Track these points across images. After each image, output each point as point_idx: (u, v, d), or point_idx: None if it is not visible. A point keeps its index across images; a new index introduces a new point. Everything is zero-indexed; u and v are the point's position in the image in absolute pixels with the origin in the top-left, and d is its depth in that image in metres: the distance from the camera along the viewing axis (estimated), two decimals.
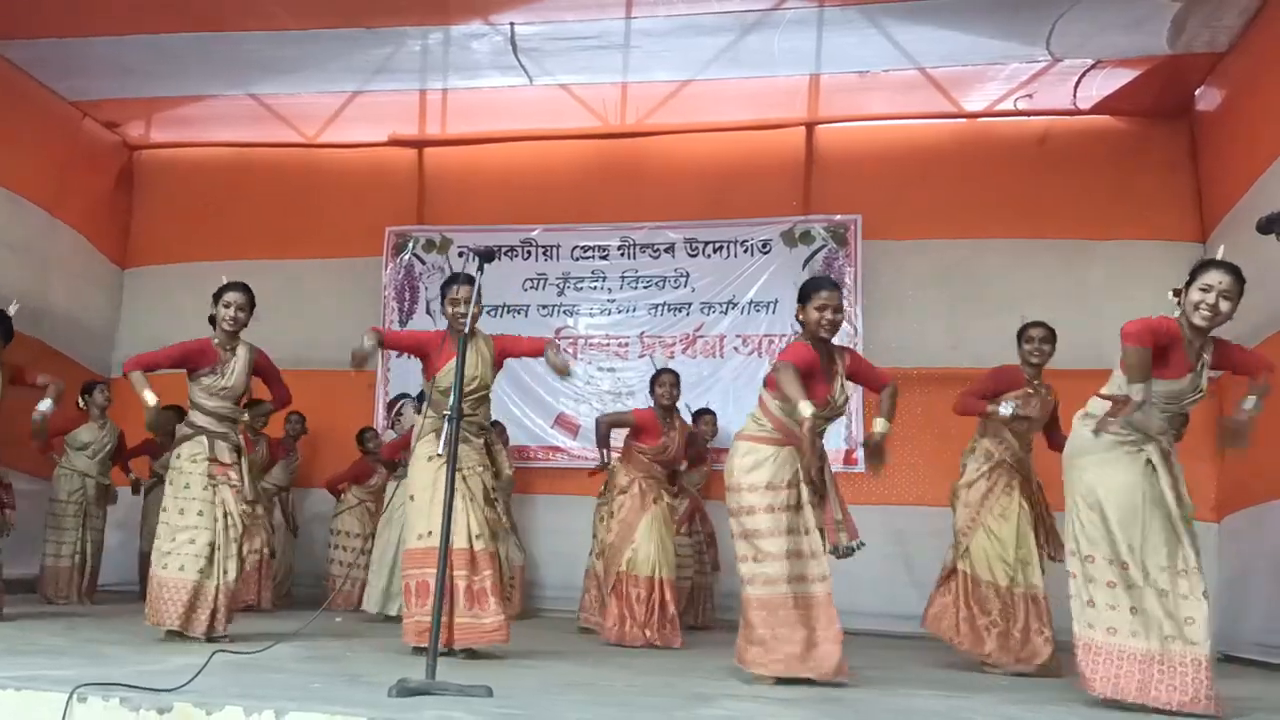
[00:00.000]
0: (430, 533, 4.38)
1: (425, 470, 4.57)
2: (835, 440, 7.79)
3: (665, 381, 6.10)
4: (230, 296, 4.90)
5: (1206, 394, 3.82)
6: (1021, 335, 5.31)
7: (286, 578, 7.99)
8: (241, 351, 4.95)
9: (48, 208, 8.24)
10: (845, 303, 7.88)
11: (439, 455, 4.26)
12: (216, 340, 4.93)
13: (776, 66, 7.66)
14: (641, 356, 8.24)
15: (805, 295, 4.17)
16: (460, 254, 8.49)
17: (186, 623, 4.60)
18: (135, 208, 9.39)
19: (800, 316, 4.17)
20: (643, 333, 8.30)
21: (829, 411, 4.12)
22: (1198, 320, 3.66)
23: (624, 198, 8.41)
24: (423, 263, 8.66)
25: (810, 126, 8.25)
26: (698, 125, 8.39)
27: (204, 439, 4.81)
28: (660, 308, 8.31)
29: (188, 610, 4.60)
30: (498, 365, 4.87)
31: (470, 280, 4.61)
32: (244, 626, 5.01)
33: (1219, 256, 3.75)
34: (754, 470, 4.10)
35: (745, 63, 7.54)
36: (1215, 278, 3.63)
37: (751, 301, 8.11)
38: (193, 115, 8.84)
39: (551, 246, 8.51)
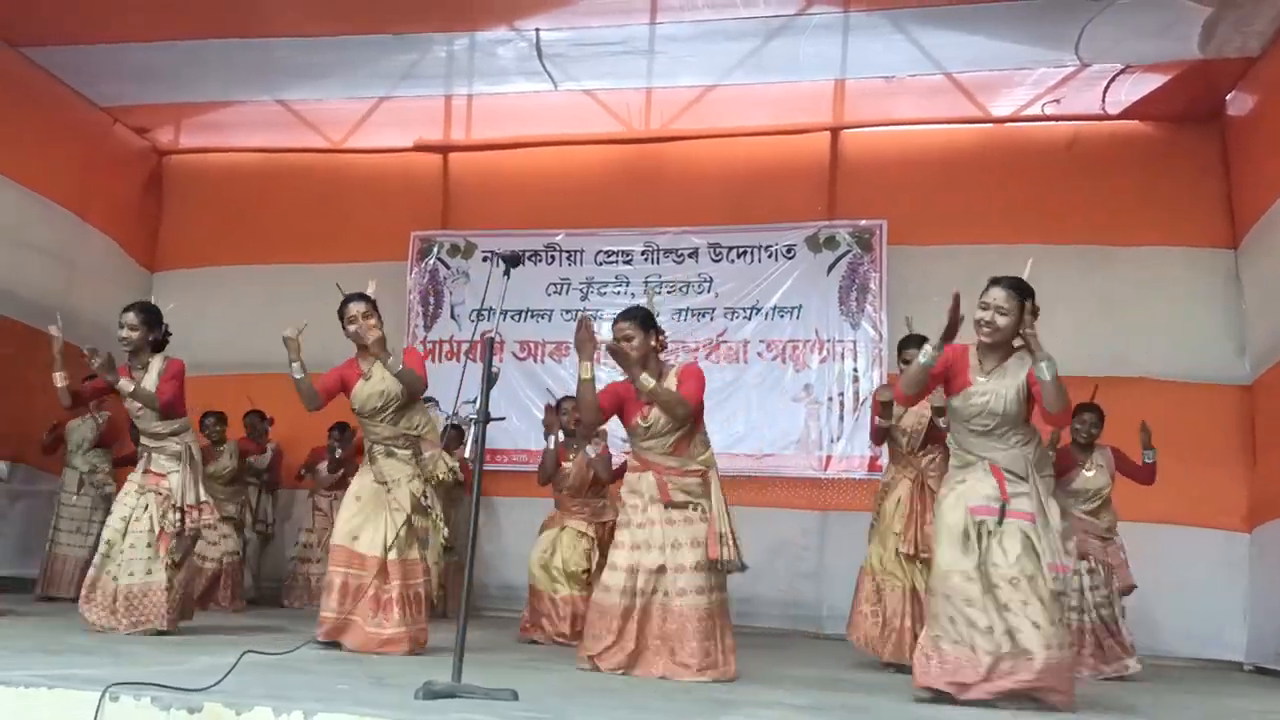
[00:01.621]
0: (336, 531, 4.72)
1: (359, 478, 4.85)
2: (859, 447, 7.74)
3: (565, 409, 6.14)
4: (122, 318, 5.04)
5: (1006, 414, 3.75)
6: (900, 351, 5.45)
7: (252, 579, 8.03)
8: (153, 368, 5.04)
9: (78, 212, 8.34)
10: (870, 307, 7.90)
11: (365, 468, 4.80)
12: (127, 363, 5.07)
13: (802, 72, 7.66)
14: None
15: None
16: (484, 259, 8.51)
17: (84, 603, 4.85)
18: (164, 212, 9.48)
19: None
20: (666, 337, 8.26)
21: (644, 435, 4.34)
22: (981, 338, 3.78)
23: (647, 202, 8.42)
24: (447, 267, 8.70)
25: (835, 131, 8.23)
26: (722, 130, 8.38)
27: (145, 455, 5.05)
28: (683, 313, 8.30)
29: (84, 596, 4.86)
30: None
31: (362, 297, 4.84)
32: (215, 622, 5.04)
33: (1025, 274, 3.81)
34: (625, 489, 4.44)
35: (770, 68, 7.54)
36: (990, 295, 3.77)
37: (775, 307, 8.09)
38: (221, 120, 8.93)
39: (575, 251, 8.52)
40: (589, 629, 4.33)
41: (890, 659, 5.12)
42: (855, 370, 7.88)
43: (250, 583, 7.91)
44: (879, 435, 5.54)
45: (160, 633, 4.80)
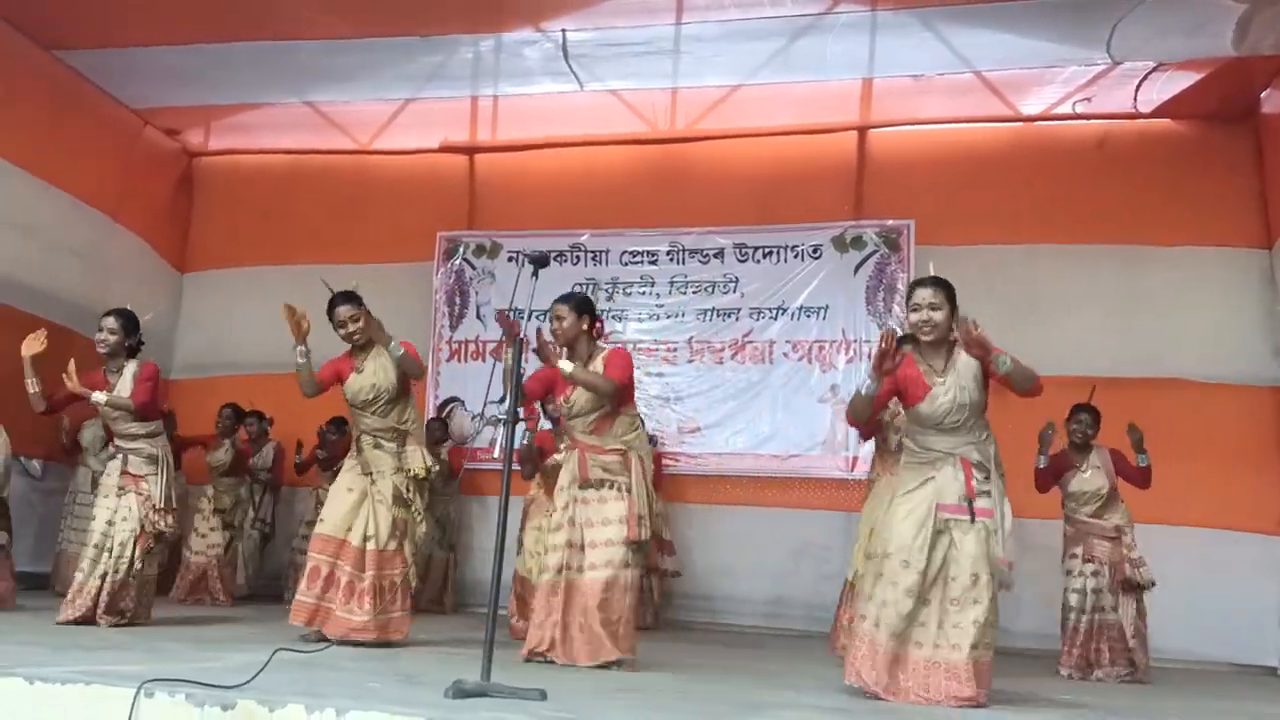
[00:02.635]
0: (322, 520, 4.84)
1: (347, 470, 4.94)
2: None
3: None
4: (101, 322, 5.16)
5: (971, 403, 3.78)
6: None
7: (253, 575, 8.08)
8: (127, 371, 5.14)
9: (109, 213, 8.43)
10: (898, 308, 7.86)
11: (350, 459, 4.93)
12: (105, 367, 5.18)
13: (828, 71, 7.62)
14: (690, 362, 8.23)
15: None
16: (510, 259, 8.54)
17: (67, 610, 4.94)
18: (194, 213, 9.58)
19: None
20: (691, 338, 8.28)
21: (564, 412, 4.54)
22: (923, 338, 3.86)
23: (673, 203, 8.41)
24: (473, 268, 8.73)
25: (862, 131, 8.19)
26: (748, 130, 8.35)
27: (120, 455, 5.14)
28: (709, 313, 8.29)
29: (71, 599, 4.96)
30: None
31: (349, 299, 4.93)
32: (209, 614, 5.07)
33: (930, 272, 3.90)
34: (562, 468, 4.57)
35: (796, 67, 7.51)
36: (919, 296, 3.86)
37: (801, 307, 8.06)
38: (250, 122, 9.00)
39: (600, 251, 8.53)
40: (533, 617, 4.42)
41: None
42: None
43: (243, 579, 7.95)
44: (869, 431, 5.57)
45: (134, 623, 4.99)
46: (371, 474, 4.84)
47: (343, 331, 4.92)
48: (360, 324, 4.89)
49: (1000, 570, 3.68)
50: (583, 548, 4.35)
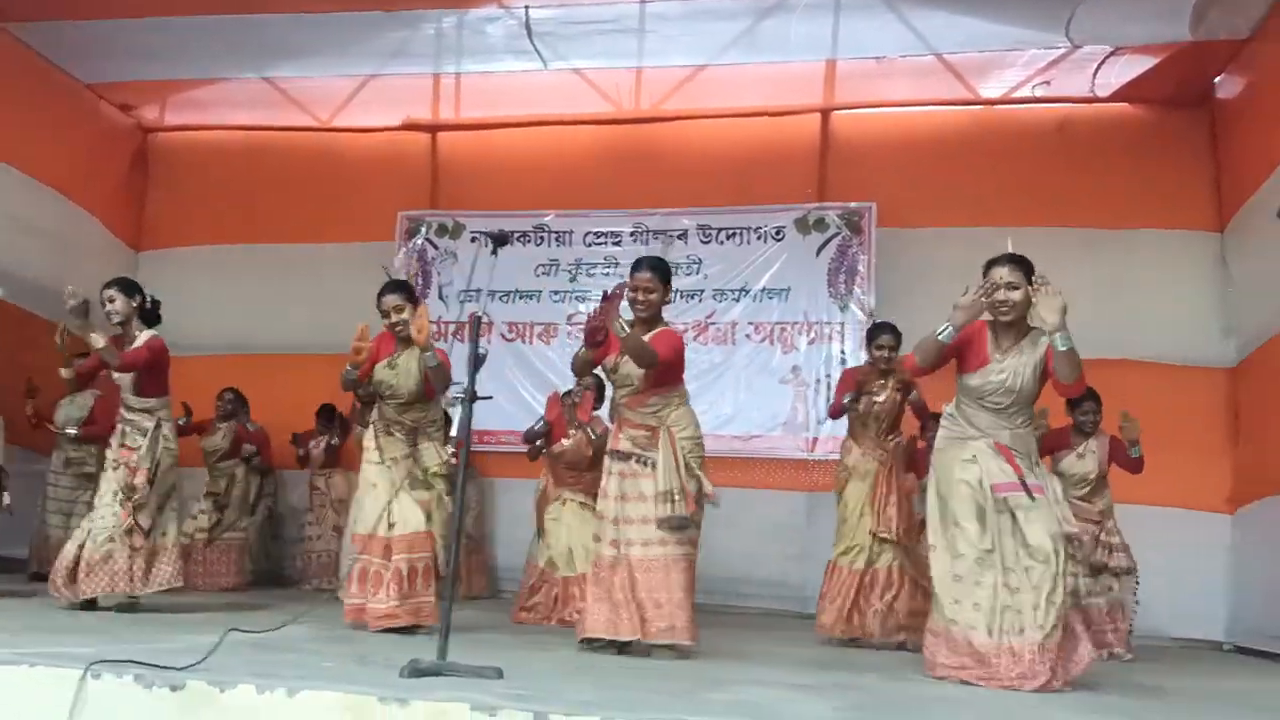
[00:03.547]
0: (356, 521, 4.82)
1: (369, 463, 4.86)
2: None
3: (585, 383, 6.04)
4: (102, 295, 5.14)
5: (1022, 392, 3.81)
6: (870, 339, 5.65)
7: (255, 559, 8.02)
8: (138, 341, 5.09)
9: (63, 190, 8.25)
10: (859, 290, 7.90)
11: (374, 447, 4.81)
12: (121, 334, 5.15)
13: (792, 52, 7.62)
14: None
15: (631, 274, 4.44)
16: (473, 239, 8.47)
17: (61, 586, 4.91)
18: (150, 191, 9.40)
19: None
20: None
21: (618, 378, 4.36)
22: (1000, 318, 3.82)
23: (637, 183, 8.38)
24: (435, 248, 8.65)
25: (826, 113, 8.20)
26: (712, 111, 8.34)
27: (120, 427, 5.10)
28: (673, 294, 8.24)
29: (64, 574, 4.92)
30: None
31: (398, 288, 4.85)
32: (228, 602, 5.05)
33: (1009, 248, 3.87)
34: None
35: (761, 48, 7.50)
36: (996, 274, 3.81)
37: (764, 289, 8.08)
38: (207, 98, 8.85)
39: (564, 232, 8.49)
40: (591, 596, 4.28)
41: (847, 634, 5.29)
42: (843, 352, 7.88)
43: (252, 564, 7.90)
44: (838, 411, 5.65)
45: (131, 600, 4.93)
46: (385, 461, 4.79)
47: (386, 321, 4.84)
48: (404, 316, 4.76)
49: (1076, 543, 3.69)
50: (629, 523, 4.25)
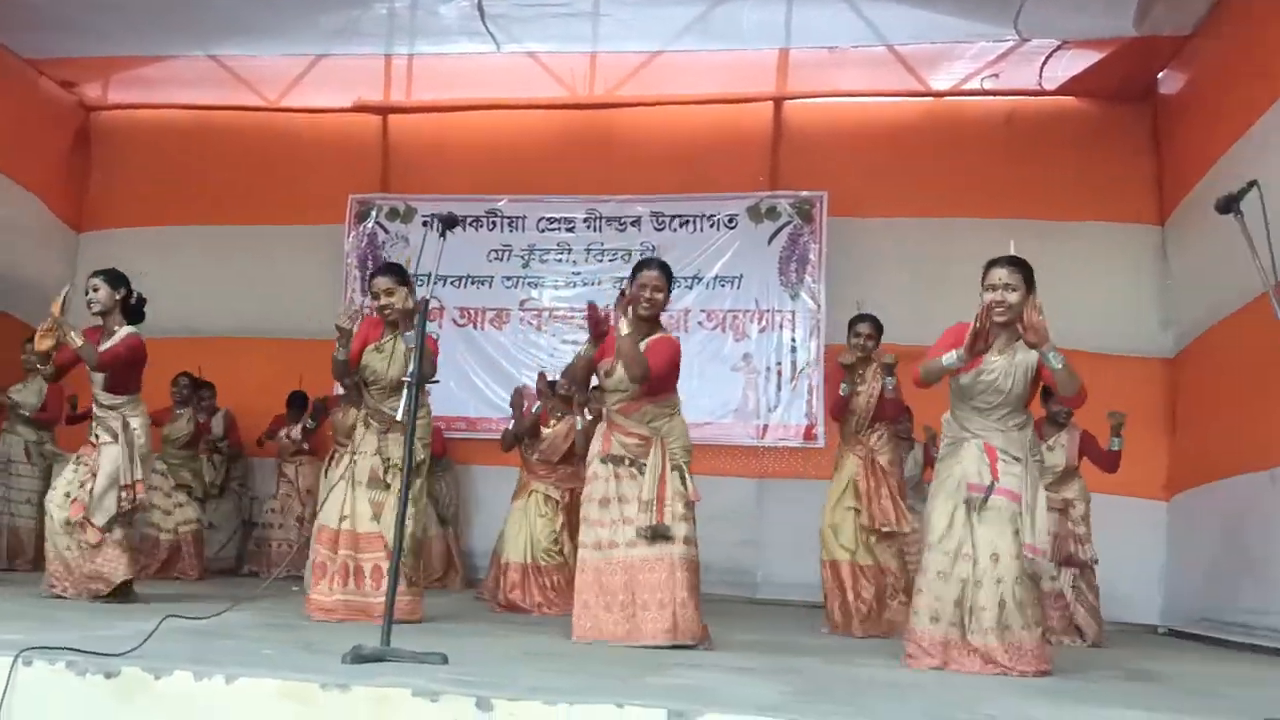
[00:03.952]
0: (322, 511, 4.78)
1: (345, 457, 4.82)
2: (796, 416, 7.87)
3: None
4: (87, 283, 5.04)
5: (1012, 393, 3.84)
6: (850, 327, 5.60)
7: (227, 547, 7.95)
8: (116, 336, 5.00)
9: (1, 169, 8.04)
10: (810, 278, 7.97)
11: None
12: (102, 325, 5.06)
13: (746, 40, 7.64)
14: None
15: (635, 271, 4.35)
16: (424, 223, 8.40)
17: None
18: (92, 170, 9.20)
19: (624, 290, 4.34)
20: (607, 306, 8.24)
21: (612, 383, 4.31)
22: (995, 318, 3.79)
23: (591, 170, 8.36)
24: (386, 232, 8.57)
25: (778, 102, 8.24)
26: (666, 98, 8.34)
27: (94, 425, 5.03)
28: (625, 281, 8.26)
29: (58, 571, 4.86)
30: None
31: (390, 271, 4.75)
32: (178, 591, 4.99)
33: (1010, 251, 3.85)
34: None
35: (715, 35, 7.51)
36: (995, 275, 3.79)
37: (717, 277, 8.12)
38: (152, 76, 8.66)
39: (517, 218, 8.45)
40: (581, 601, 4.23)
41: (862, 632, 5.29)
42: (793, 340, 7.95)
43: (217, 553, 7.82)
44: (840, 406, 5.57)
45: (111, 595, 4.83)
46: (353, 454, 4.72)
47: (375, 304, 4.73)
48: (394, 300, 4.67)
49: (1026, 558, 3.66)
50: (629, 523, 4.21)
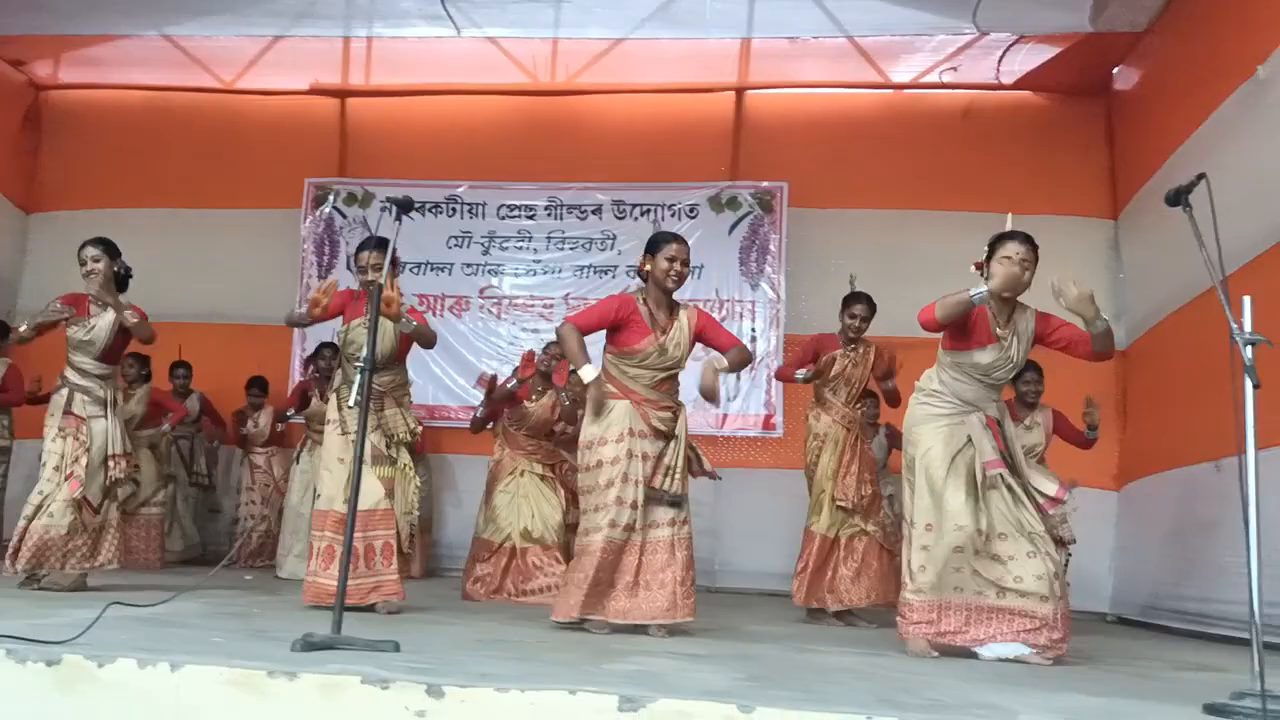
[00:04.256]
0: (319, 496, 4.67)
1: (331, 438, 4.69)
2: (755, 405, 7.91)
3: (552, 351, 6.16)
4: (83, 253, 4.94)
5: (1020, 364, 3.95)
6: (844, 306, 5.60)
7: (187, 535, 7.84)
8: (109, 311, 4.95)
9: None
10: (770, 269, 8.01)
11: (336, 419, 4.61)
12: (92, 294, 4.95)
13: (709, 28, 7.63)
14: None
15: (655, 245, 4.22)
16: (383, 208, 8.32)
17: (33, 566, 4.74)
18: (42, 150, 9.00)
19: (646, 267, 4.22)
20: (568, 294, 8.26)
21: (649, 361, 4.19)
22: (1007, 293, 3.82)
23: (552, 157, 8.33)
24: (344, 216, 8.48)
25: (740, 92, 8.26)
26: (628, 86, 8.33)
27: (65, 391, 4.90)
28: (586, 269, 8.28)
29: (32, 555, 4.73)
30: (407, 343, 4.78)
31: (382, 244, 4.59)
32: (141, 582, 4.92)
33: (1008, 227, 3.89)
34: (594, 423, 4.22)
35: (677, 23, 7.50)
36: (1013, 249, 3.80)
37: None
38: (104, 56, 8.50)
39: (477, 204, 8.40)
40: (586, 580, 4.11)
41: (819, 603, 5.35)
42: (753, 330, 7.98)
43: (183, 541, 7.69)
44: (787, 378, 5.73)
45: (81, 578, 4.80)
46: (352, 433, 4.53)
47: (362, 278, 4.62)
48: (377, 275, 4.52)
49: (1057, 508, 3.79)
50: (646, 505, 4.13)
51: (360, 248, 4.74)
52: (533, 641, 3.74)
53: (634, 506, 4.11)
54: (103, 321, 4.92)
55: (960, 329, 3.86)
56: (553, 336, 8.15)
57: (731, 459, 7.82)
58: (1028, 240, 3.82)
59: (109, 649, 2.51)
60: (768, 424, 7.82)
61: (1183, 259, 5.02)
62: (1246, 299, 2.83)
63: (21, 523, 4.76)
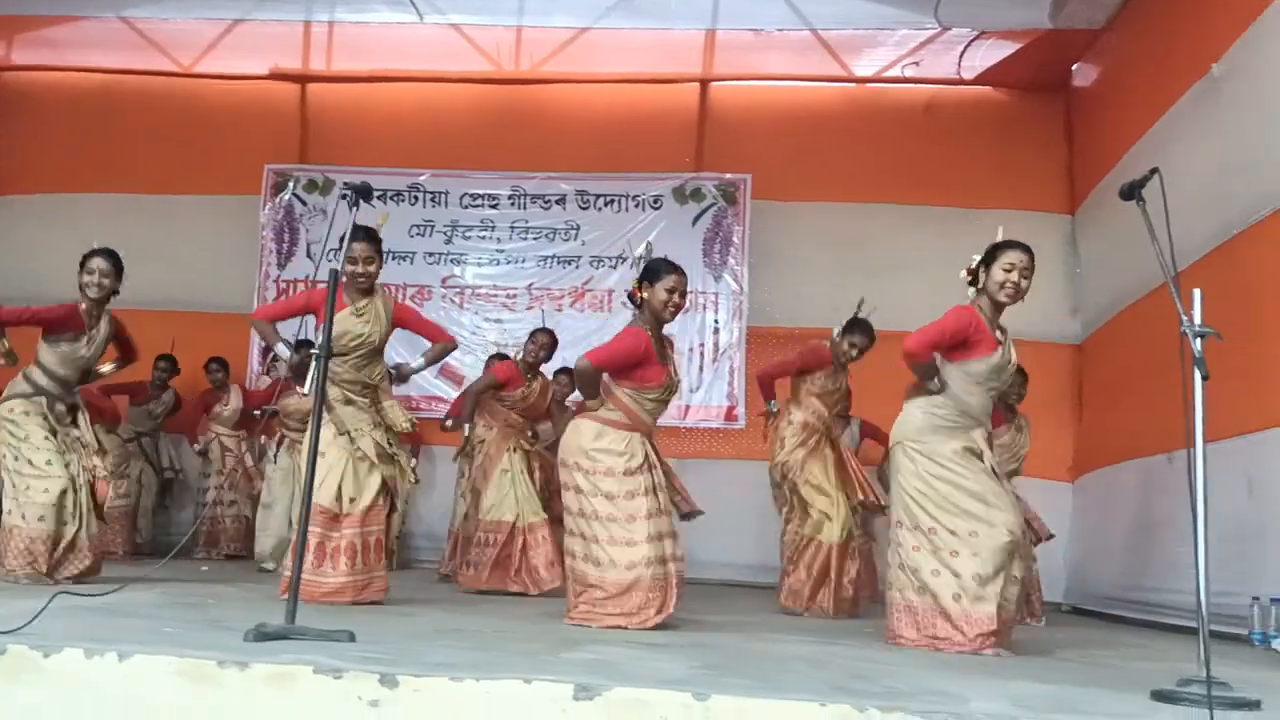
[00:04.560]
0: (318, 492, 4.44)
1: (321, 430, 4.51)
2: (717, 397, 7.93)
3: (539, 341, 6.12)
4: (94, 263, 4.76)
5: (1015, 365, 4.01)
6: (846, 333, 5.55)
7: (146, 525, 7.73)
8: (104, 322, 4.85)
9: None
10: (733, 260, 8.03)
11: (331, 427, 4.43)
12: (84, 307, 4.79)
13: (673, 19, 7.65)
14: (529, 309, 8.18)
15: (654, 275, 4.16)
16: (342, 195, 8.19)
17: (50, 569, 4.58)
18: None
19: (643, 295, 4.16)
20: (531, 284, 8.23)
21: (666, 394, 4.22)
22: (1002, 298, 3.86)
23: (516, 146, 8.29)
24: (304, 204, 8.38)
25: (704, 83, 8.27)
26: (593, 75, 8.31)
27: (42, 399, 4.75)
28: (550, 260, 8.25)
29: (49, 558, 4.58)
30: (392, 328, 4.73)
31: (373, 238, 4.56)
32: (105, 573, 4.84)
33: (999, 237, 3.94)
34: (606, 453, 4.12)
35: (642, 13, 7.51)
36: (1016, 257, 3.84)
37: (641, 257, 8.10)
38: (59, 37, 8.36)
39: (440, 193, 8.34)
40: (616, 603, 4.05)
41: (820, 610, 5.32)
42: (716, 322, 8.00)
43: (147, 534, 7.60)
44: (767, 391, 5.69)
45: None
46: (349, 432, 4.49)
47: (353, 269, 4.46)
48: (374, 268, 4.51)
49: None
50: (674, 537, 4.15)
51: (351, 238, 4.60)
52: (491, 631, 3.73)
53: (659, 541, 4.09)
54: (101, 337, 4.81)
55: (963, 343, 3.86)
56: (515, 324, 8.30)
57: (693, 450, 7.85)
58: (1028, 250, 3.86)
59: (55, 639, 2.47)
60: (730, 415, 7.85)
61: (1138, 254, 5.09)
62: (1197, 292, 2.87)
63: (36, 525, 4.58)
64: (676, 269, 4.18)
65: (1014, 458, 5.89)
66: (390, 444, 4.62)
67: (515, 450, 6.00)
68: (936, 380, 3.89)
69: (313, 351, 3.39)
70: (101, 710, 2.36)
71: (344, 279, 4.45)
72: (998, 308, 3.91)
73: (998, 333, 3.91)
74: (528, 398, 6.11)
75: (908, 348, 3.83)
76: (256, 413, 7.44)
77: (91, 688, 2.37)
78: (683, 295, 4.16)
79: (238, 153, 8.36)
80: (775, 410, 5.67)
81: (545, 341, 6.11)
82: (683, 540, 7.32)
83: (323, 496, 4.36)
